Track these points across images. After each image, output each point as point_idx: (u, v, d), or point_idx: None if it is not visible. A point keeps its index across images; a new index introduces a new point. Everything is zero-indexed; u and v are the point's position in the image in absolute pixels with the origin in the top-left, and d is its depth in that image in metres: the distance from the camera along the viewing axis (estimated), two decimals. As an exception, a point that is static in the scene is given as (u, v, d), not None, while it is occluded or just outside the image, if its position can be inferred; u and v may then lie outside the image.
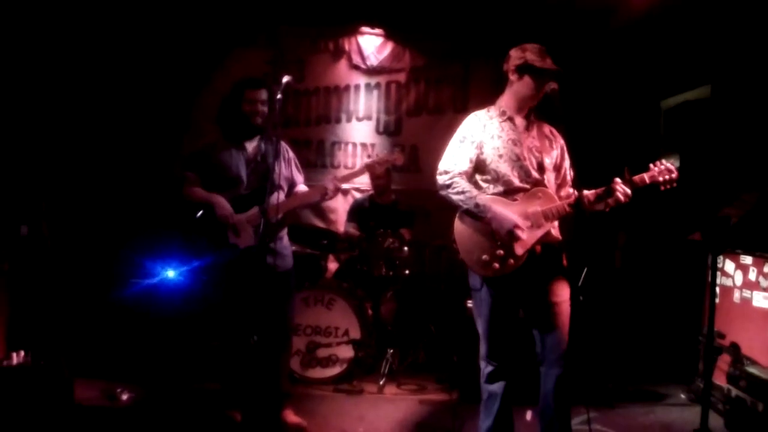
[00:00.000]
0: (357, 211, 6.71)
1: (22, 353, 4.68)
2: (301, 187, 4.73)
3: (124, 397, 5.08)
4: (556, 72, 3.77)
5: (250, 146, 4.58)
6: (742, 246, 5.16)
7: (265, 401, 4.55)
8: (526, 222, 3.72)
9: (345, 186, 7.17)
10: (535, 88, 3.79)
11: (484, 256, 3.74)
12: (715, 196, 5.56)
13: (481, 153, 3.82)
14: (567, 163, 3.98)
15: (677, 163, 6.87)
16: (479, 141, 3.83)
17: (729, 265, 5.35)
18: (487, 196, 3.77)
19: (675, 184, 3.77)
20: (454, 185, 3.78)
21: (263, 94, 4.52)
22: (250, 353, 4.27)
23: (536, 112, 3.93)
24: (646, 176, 3.77)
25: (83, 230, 6.70)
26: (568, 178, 3.96)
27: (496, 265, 3.72)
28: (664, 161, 3.80)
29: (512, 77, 3.85)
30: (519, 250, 3.70)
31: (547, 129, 3.99)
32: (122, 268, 5.99)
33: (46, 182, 6.44)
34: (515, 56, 3.84)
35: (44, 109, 6.58)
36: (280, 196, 4.47)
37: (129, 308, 5.76)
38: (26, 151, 6.28)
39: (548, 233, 3.78)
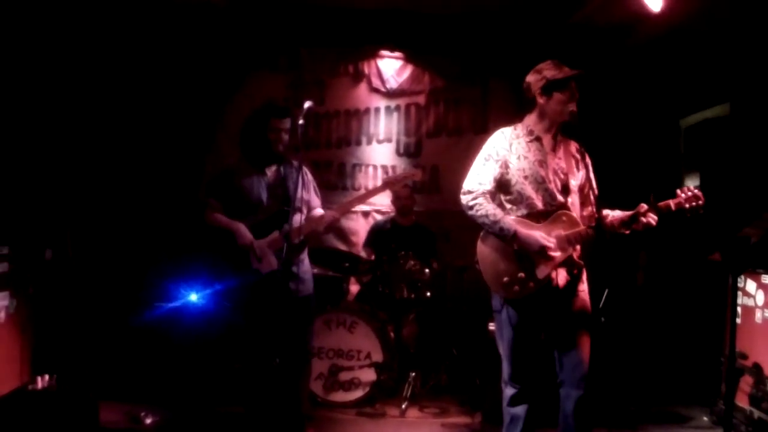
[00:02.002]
0: (376, 234, 6.71)
1: (48, 377, 4.74)
2: (317, 211, 4.72)
3: (148, 420, 5.10)
4: (579, 75, 3.77)
5: (270, 171, 4.61)
6: (764, 266, 5.11)
7: (287, 424, 4.57)
8: (550, 244, 3.72)
9: (366, 208, 7.25)
10: (567, 99, 3.76)
11: (505, 278, 3.74)
12: (736, 215, 5.51)
13: (506, 172, 3.80)
14: (592, 182, 3.93)
15: (697, 182, 6.85)
16: (504, 159, 3.81)
17: (750, 285, 5.30)
18: (511, 219, 3.75)
19: (702, 211, 3.68)
20: (477, 207, 3.75)
21: (287, 123, 4.54)
22: (272, 376, 4.30)
23: (561, 131, 3.91)
24: (672, 203, 3.69)
25: (107, 254, 6.77)
26: (592, 197, 3.91)
27: (517, 287, 3.72)
28: (691, 187, 3.71)
29: (540, 100, 3.82)
30: (540, 273, 3.70)
31: (573, 147, 3.96)
32: (146, 292, 6.05)
33: (71, 206, 6.51)
34: (535, 80, 3.82)
35: (69, 133, 6.66)
36: (300, 219, 4.50)
37: (153, 332, 5.82)
38: (51, 175, 6.35)
39: (570, 257, 3.77)
